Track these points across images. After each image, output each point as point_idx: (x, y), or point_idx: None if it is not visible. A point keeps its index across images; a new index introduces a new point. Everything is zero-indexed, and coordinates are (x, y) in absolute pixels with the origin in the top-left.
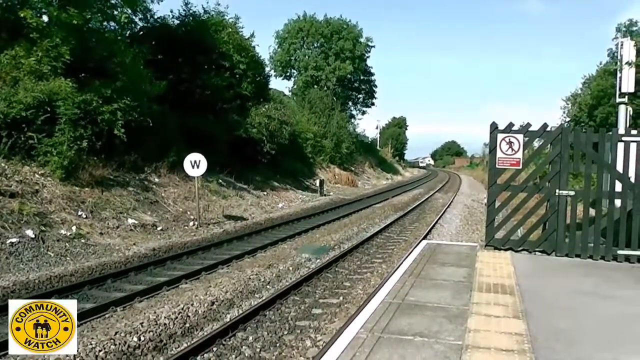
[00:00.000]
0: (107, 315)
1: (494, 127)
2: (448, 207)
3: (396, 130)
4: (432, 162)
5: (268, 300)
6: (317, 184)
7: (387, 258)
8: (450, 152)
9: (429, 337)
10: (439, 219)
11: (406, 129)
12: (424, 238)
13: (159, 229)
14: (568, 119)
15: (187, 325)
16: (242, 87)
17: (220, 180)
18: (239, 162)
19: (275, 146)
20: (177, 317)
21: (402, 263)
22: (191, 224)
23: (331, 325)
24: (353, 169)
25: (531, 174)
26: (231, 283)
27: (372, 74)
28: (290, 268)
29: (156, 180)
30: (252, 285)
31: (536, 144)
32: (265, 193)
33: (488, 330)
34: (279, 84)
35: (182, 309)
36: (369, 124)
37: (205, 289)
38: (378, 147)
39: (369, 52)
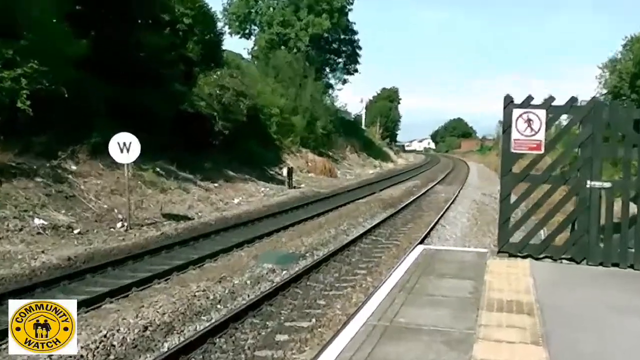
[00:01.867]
0: (2, 347)
1: (508, 101)
2: (452, 203)
3: (386, 104)
4: (432, 145)
5: (219, 323)
6: (285, 174)
7: (374, 268)
8: (455, 132)
9: None
10: (440, 218)
11: (399, 104)
12: (421, 242)
13: (76, 231)
14: (605, 91)
15: (112, 357)
16: (187, 47)
17: (158, 169)
18: (182, 144)
19: (230, 124)
20: (98, 347)
21: (391, 274)
22: (119, 225)
23: (300, 356)
24: (331, 154)
25: (556, 161)
26: (170, 302)
27: (355, 32)
28: (248, 282)
29: (73, 168)
30: (197, 304)
31: (564, 122)
32: (216, 185)
33: None
34: (236, 45)
35: (105, 336)
36: (351, 96)
37: (137, 309)
38: (363, 126)
39: (352, 3)
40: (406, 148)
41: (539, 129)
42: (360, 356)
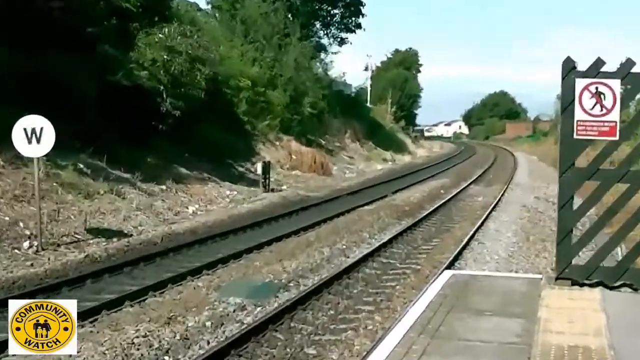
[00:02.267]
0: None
1: (569, 67)
2: (493, 210)
3: (401, 74)
4: (465, 130)
5: None
6: (259, 171)
7: (384, 303)
8: (497, 112)
9: None
10: (477, 231)
11: (418, 72)
12: (450, 266)
13: None
14: None
15: None
16: None
17: (82, 165)
18: (116, 131)
19: (183, 103)
20: None
21: (407, 312)
22: (26, 244)
23: None
24: (324, 143)
25: (635, 150)
26: (99, 352)
27: None
28: (208, 323)
29: None
30: (136, 355)
31: None
32: (163, 187)
33: None
34: None
35: None
36: (352, 62)
37: None
38: (369, 104)
39: None
40: (426, 134)
41: (613, 106)
42: None
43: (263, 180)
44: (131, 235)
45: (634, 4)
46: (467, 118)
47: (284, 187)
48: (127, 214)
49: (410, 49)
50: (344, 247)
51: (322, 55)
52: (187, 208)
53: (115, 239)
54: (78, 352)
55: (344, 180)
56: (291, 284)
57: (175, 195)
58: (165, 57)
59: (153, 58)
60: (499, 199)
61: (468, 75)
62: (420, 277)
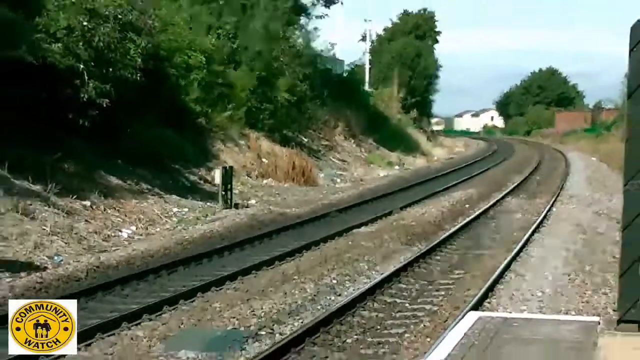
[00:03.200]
0: None
1: (639, 34)
2: (536, 231)
3: (412, 44)
4: (499, 122)
5: None
6: (217, 180)
7: (388, 357)
8: (544, 98)
9: None
10: (514, 260)
11: (436, 42)
12: (477, 307)
13: None
14: None
15: None
16: None
17: None
18: (20, 127)
19: (111, 88)
20: None
21: None
22: None
23: None
24: (306, 140)
25: None
26: None
27: None
28: None
29: None
30: None
31: None
32: (87, 204)
33: None
34: None
35: None
36: (345, 29)
37: None
38: (368, 88)
39: None
40: (436, 127)
41: None
42: None
43: (223, 193)
44: (45, 268)
45: None
46: (503, 106)
47: (252, 201)
48: (39, 239)
49: (425, 10)
50: (334, 282)
51: (303, 19)
52: (121, 231)
53: (23, 274)
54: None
55: (334, 191)
56: (262, 332)
57: (103, 214)
58: (85, 24)
59: (68, 25)
60: (545, 216)
61: (503, 47)
62: (437, 322)
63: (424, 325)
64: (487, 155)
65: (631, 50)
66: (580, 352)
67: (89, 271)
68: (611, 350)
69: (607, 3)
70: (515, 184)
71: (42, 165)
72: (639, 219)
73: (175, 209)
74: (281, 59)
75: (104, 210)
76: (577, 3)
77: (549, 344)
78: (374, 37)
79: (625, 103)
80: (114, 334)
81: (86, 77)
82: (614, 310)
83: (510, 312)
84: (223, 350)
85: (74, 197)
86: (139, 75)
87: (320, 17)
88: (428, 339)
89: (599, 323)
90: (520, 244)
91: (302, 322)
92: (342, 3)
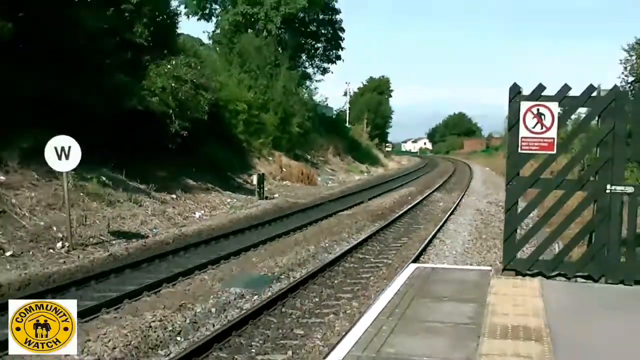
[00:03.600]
0: None
1: (515, 92)
2: (452, 213)
3: (375, 98)
4: (429, 145)
5: (178, 359)
6: (254, 182)
7: (360, 292)
8: (457, 130)
9: None
10: (439, 231)
11: (390, 97)
12: (416, 260)
13: (8, 254)
14: (632, 79)
15: None
16: (134, 31)
17: (104, 178)
18: (132, 149)
19: (189, 124)
20: None
21: (378, 298)
22: (59, 245)
23: None
24: (310, 157)
25: (570, 162)
26: (122, 335)
27: (337, 12)
28: (213, 310)
29: (1, 178)
30: (154, 336)
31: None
32: (174, 196)
33: None
34: (194, 28)
35: None
36: (334, 88)
37: (82, 344)
38: (347, 125)
39: None
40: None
41: (551, 125)
42: None
43: (258, 190)
44: (147, 236)
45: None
46: (432, 135)
47: (276, 195)
48: (144, 218)
49: (383, 76)
50: (327, 245)
51: (308, 82)
52: (194, 213)
53: (134, 240)
54: (104, 334)
55: (327, 189)
56: (282, 276)
57: (183, 203)
58: (172, 85)
59: (162, 86)
60: (457, 204)
61: (432, 98)
62: (391, 270)
63: (382, 272)
64: (421, 167)
65: (510, 101)
66: (479, 288)
67: (175, 239)
68: (498, 287)
69: (494, 70)
70: (439, 184)
71: (146, 172)
72: (515, 206)
73: (228, 200)
74: (294, 107)
75: (184, 200)
76: (478, 71)
77: (460, 283)
78: (351, 93)
79: (506, 134)
80: (190, 278)
81: (173, 118)
82: (499, 263)
83: (436, 264)
84: (258, 288)
85: (165, 192)
86: (206, 116)
87: (318, 81)
88: (385, 280)
89: (491, 271)
90: (442, 221)
91: (306, 270)
92: (332, 72)
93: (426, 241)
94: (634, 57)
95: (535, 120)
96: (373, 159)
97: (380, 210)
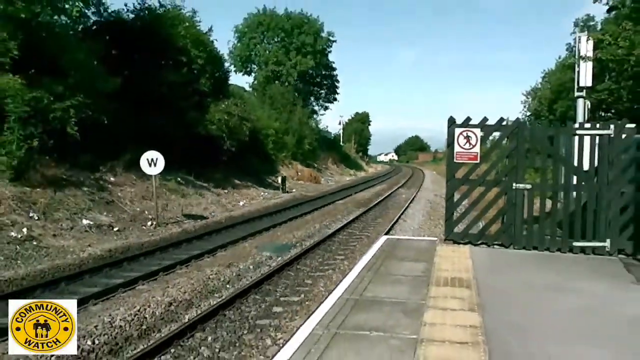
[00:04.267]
0: None
1: (451, 122)
2: (411, 202)
3: (359, 125)
4: (395, 157)
5: (228, 299)
6: (279, 181)
7: (350, 255)
8: (414, 147)
9: (385, 332)
10: (402, 214)
11: (369, 124)
12: (387, 233)
13: (115, 229)
14: (529, 113)
15: (144, 327)
16: (200, 83)
17: (179, 179)
18: (198, 159)
19: (236, 143)
20: (133, 320)
21: (361, 259)
22: (149, 223)
23: (292, 323)
24: (316, 165)
25: (488, 168)
26: (190, 283)
27: (334, 69)
28: (251, 267)
29: (112, 179)
30: (211, 285)
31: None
32: (226, 191)
33: (444, 324)
34: (240, 80)
35: (139, 310)
36: (331, 119)
37: (163, 289)
38: (341, 143)
39: (331, 46)
40: (367, 159)
41: (476, 144)
42: (336, 322)
43: (281, 187)
44: (208, 218)
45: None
46: (397, 150)
47: (293, 190)
48: (205, 206)
49: (364, 111)
50: (327, 224)
51: (314, 115)
52: (239, 202)
53: (199, 220)
54: (177, 283)
55: (328, 186)
56: (297, 244)
57: (232, 196)
58: (225, 117)
59: (218, 118)
60: (415, 196)
61: (398, 125)
62: (371, 240)
63: (365, 241)
64: (390, 171)
65: (448, 127)
66: (429, 252)
67: (226, 219)
68: (442, 252)
69: (438, 107)
70: (402, 183)
71: (207, 175)
72: (452, 197)
73: (262, 193)
74: (306, 132)
75: (232, 194)
76: (428, 108)
77: (416, 249)
78: (343, 123)
79: (446, 149)
80: (236, 245)
81: (225, 139)
82: (443, 235)
83: (400, 236)
84: (282, 252)
85: (220, 188)
86: (247, 138)
87: (322, 114)
88: (365, 247)
89: (437, 240)
90: (404, 208)
91: (313, 241)
92: (331, 109)
93: (394, 220)
94: (529, 99)
95: (465, 140)
96: (358, 166)
97: (363, 200)
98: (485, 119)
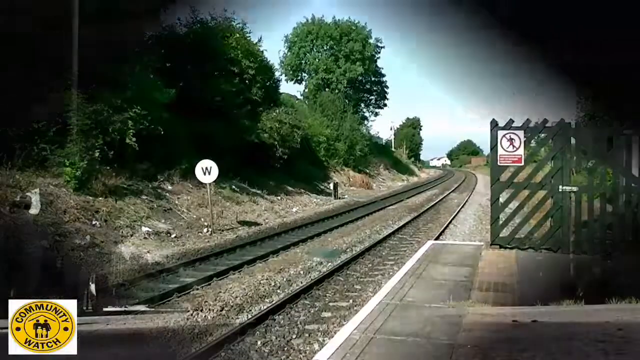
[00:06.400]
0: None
1: (494, 125)
2: (462, 207)
3: (410, 131)
4: (448, 162)
5: (278, 304)
6: (331, 187)
7: (399, 260)
8: (466, 151)
9: (421, 337)
10: (453, 219)
11: (420, 130)
12: (437, 239)
13: (173, 236)
14: (582, 114)
15: (196, 331)
16: (252, 92)
17: (234, 186)
18: (251, 167)
19: (288, 150)
20: (186, 324)
21: (405, 264)
22: (205, 230)
23: (340, 328)
24: (367, 171)
25: (533, 171)
26: (241, 288)
27: (383, 75)
28: (302, 272)
29: (169, 187)
30: (262, 290)
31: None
32: (279, 198)
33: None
34: (291, 88)
35: (192, 314)
36: (382, 125)
37: (216, 294)
38: (392, 149)
39: (379, 52)
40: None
41: (519, 146)
42: (374, 327)
43: (334, 193)
44: (261, 224)
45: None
46: (449, 155)
47: (346, 196)
48: (259, 212)
49: (415, 117)
50: (378, 229)
51: (365, 122)
52: (292, 209)
53: (253, 227)
54: (230, 288)
55: (379, 192)
56: (348, 250)
57: (285, 202)
58: (277, 125)
59: (270, 126)
60: (466, 201)
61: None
62: (420, 244)
63: (414, 246)
64: (442, 176)
65: (491, 130)
66: (474, 257)
67: (278, 225)
68: (487, 256)
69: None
70: (454, 187)
71: (260, 182)
72: (497, 201)
73: (314, 200)
74: (357, 138)
75: (285, 200)
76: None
77: (461, 254)
78: (395, 129)
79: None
80: (287, 251)
81: (278, 147)
82: (489, 240)
83: (445, 241)
84: (332, 257)
85: (273, 195)
86: (299, 145)
87: (372, 120)
88: (415, 252)
89: (483, 245)
90: (455, 212)
91: (364, 246)
92: (381, 115)
93: (444, 226)
94: (582, 99)
95: (508, 143)
96: (410, 171)
97: (414, 206)
98: (528, 121)
